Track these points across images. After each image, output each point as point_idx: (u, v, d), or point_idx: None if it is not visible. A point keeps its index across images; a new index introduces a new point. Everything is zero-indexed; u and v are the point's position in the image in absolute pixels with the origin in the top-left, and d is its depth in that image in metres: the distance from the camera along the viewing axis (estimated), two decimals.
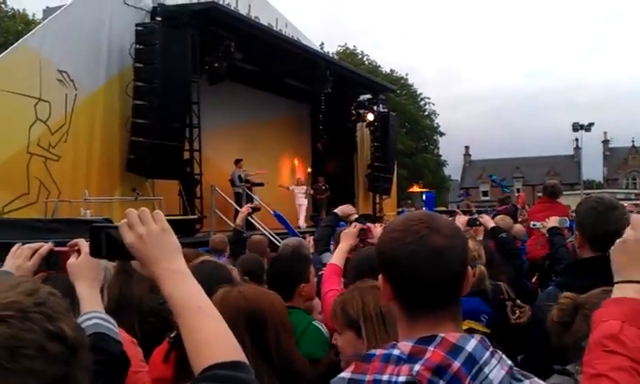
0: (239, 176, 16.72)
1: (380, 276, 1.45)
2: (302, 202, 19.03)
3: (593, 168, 72.81)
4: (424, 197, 29.08)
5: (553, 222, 4.95)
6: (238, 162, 17.05)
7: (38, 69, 11.58)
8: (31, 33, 12.33)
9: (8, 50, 12.32)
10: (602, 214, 2.64)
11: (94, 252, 1.50)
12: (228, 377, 1.19)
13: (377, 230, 3.79)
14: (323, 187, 20.27)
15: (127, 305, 2.94)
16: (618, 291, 1.51)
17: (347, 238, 3.66)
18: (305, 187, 19.27)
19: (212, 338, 1.27)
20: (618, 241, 1.59)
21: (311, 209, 20.57)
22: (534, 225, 6.11)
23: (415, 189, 28.97)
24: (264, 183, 17.82)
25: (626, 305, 1.44)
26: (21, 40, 12.65)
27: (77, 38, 12.47)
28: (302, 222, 18.44)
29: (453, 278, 1.37)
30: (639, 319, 1.41)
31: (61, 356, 0.88)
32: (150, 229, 1.37)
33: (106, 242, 1.45)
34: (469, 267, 1.42)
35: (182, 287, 1.33)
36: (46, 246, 1.95)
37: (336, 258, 3.49)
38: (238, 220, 6.71)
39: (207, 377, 1.19)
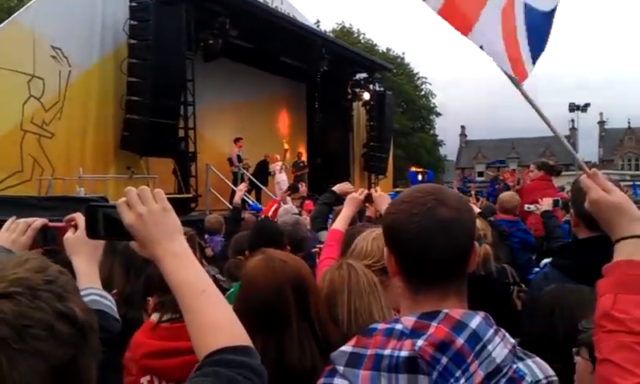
0: (238, 156, 16.65)
1: (385, 249, 1.43)
2: (280, 179, 18.22)
3: (588, 149, 72.76)
4: (420, 178, 28.49)
5: (546, 204, 4.95)
6: (237, 140, 16.96)
7: (31, 45, 11.46)
8: (24, 8, 12.15)
9: (0, 25, 12.18)
10: None
11: (91, 232, 1.43)
12: (235, 361, 1.16)
13: (377, 194, 3.74)
14: (301, 164, 19.74)
15: (115, 285, 2.91)
16: (616, 253, 1.44)
17: (352, 203, 3.57)
18: (279, 163, 18.48)
19: (217, 321, 1.23)
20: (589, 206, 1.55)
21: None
22: (527, 208, 6.07)
23: (414, 169, 28.44)
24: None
25: (617, 271, 1.38)
26: (13, 16, 12.48)
27: (70, 14, 12.33)
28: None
29: (459, 251, 1.35)
30: (632, 284, 1.34)
31: (70, 338, 0.84)
32: (150, 208, 1.32)
33: (104, 221, 1.39)
34: (475, 243, 1.39)
35: (185, 269, 1.29)
36: (39, 220, 1.91)
37: (339, 223, 3.37)
38: (237, 198, 6.67)
39: (214, 361, 1.16)
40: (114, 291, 2.68)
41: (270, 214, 5.97)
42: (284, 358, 1.85)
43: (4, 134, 11.10)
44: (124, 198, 1.34)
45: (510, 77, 2.16)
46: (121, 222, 1.33)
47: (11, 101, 11.21)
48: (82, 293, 1.67)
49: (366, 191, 3.77)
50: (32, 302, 0.82)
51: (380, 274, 2.23)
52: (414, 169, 31.06)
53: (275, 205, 6.17)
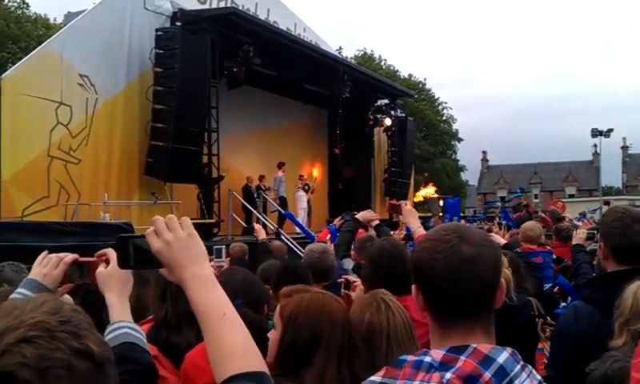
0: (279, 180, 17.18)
1: (413, 285, 1.46)
2: (298, 199, 18.32)
3: (612, 174, 71.93)
4: (441, 203, 27.82)
5: (579, 238, 4.88)
6: (281, 165, 17.41)
7: (59, 73, 11.73)
8: (53, 37, 12.47)
9: (30, 54, 12.49)
10: (628, 226, 2.58)
11: (123, 263, 1.49)
12: None
13: (407, 207, 3.96)
14: (305, 187, 19.29)
15: (143, 313, 2.94)
16: None
17: (412, 214, 3.87)
18: (300, 184, 18.54)
19: (235, 347, 1.27)
20: None
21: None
22: None
23: (429, 192, 27.54)
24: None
25: None
26: (43, 44, 12.81)
27: (97, 42, 12.61)
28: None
29: (483, 287, 1.37)
30: None
31: (89, 373, 0.87)
32: (177, 235, 1.37)
33: (134, 251, 1.44)
34: (502, 279, 1.42)
35: (208, 293, 1.33)
36: (71, 256, 1.95)
37: (419, 230, 3.85)
38: (262, 235, 6.69)
39: None
40: (150, 317, 2.74)
41: (327, 239, 5.98)
42: None
43: (31, 159, 11.30)
44: (152, 227, 1.39)
45: None
46: (149, 250, 1.38)
47: (39, 127, 11.44)
48: (114, 326, 1.72)
49: (402, 202, 3.91)
50: (50, 343, 0.85)
51: None
52: (430, 193, 30.30)
53: (329, 234, 6.19)
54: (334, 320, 1.98)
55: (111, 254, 1.84)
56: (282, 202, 17.35)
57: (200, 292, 1.33)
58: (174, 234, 1.37)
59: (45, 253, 1.96)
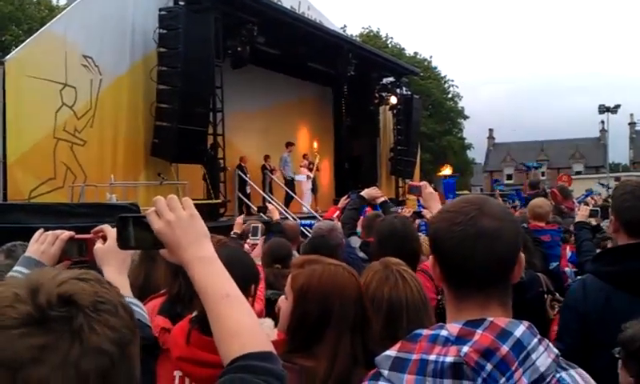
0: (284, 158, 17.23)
1: (430, 257, 1.45)
2: (308, 186, 18.14)
3: (619, 151, 71.46)
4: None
5: (581, 215, 4.83)
6: (288, 145, 17.40)
7: (63, 54, 11.68)
8: (56, 18, 12.39)
9: (33, 36, 12.42)
10: (639, 199, 2.57)
11: (122, 244, 1.46)
12: (260, 368, 1.18)
13: (427, 190, 3.87)
14: (310, 166, 18.90)
15: (151, 292, 2.96)
16: None
17: (434, 198, 3.75)
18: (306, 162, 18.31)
19: (241, 327, 1.26)
20: None
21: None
22: None
23: (443, 172, 27.48)
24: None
25: None
26: (46, 26, 12.74)
27: (101, 23, 12.54)
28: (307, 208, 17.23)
29: (500, 261, 1.36)
30: None
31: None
32: (178, 215, 1.36)
33: (135, 232, 1.42)
34: (521, 254, 1.40)
35: (209, 274, 1.32)
36: (67, 233, 1.95)
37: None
38: (276, 215, 6.67)
39: (239, 367, 1.18)
40: (163, 291, 2.80)
41: (334, 216, 5.98)
42: (335, 364, 1.85)
43: (37, 141, 11.29)
44: (153, 208, 1.38)
45: None
46: (150, 231, 1.37)
47: (44, 109, 11.42)
48: None
49: (423, 183, 3.85)
50: (102, 286, 0.91)
51: None
52: (442, 173, 30.27)
53: (337, 211, 6.17)
54: (347, 294, 1.95)
55: (108, 230, 1.84)
56: (288, 182, 17.32)
57: (202, 273, 1.32)
58: (175, 214, 1.36)
59: (41, 230, 1.96)
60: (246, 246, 4.63)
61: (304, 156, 18.84)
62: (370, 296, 2.14)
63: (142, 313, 1.80)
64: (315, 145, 20.23)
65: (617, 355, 2.10)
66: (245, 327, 1.26)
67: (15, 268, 1.89)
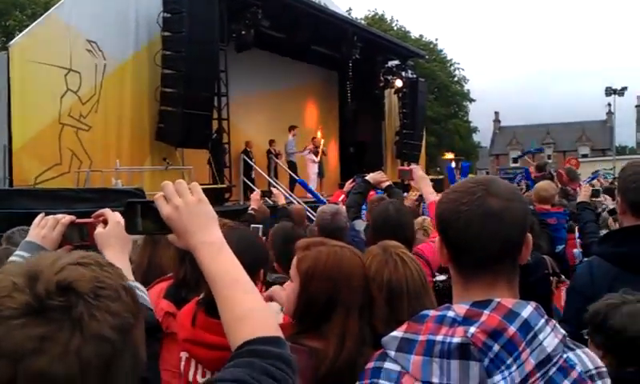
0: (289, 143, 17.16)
1: (437, 237, 1.45)
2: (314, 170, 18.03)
3: (625, 133, 71.11)
4: (453, 165, 27.37)
5: (584, 195, 4.79)
6: (292, 128, 17.30)
7: (67, 39, 11.66)
8: (59, 3, 12.34)
9: (37, 21, 12.40)
10: None
11: (130, 229, 1.47)
12: (269, 352, 1.18)
13: (418, 173, 3.90)
14: (316, 151, 18.73)
15: (155, 275, 2.96)
16: None
17: (424, 180, 3.79)
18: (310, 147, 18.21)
19: (249, 311, 1.26)
20: None
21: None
22: None
23: (447, 156, 27.36)
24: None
25: None
26: (49, 11, 12.70)
27: (105, 7, 12.51)
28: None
29: (507, 242, 1.35)
30: None
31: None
32: (186, 200, 1.35)
33: (142, 217, 1.42)
34: (528, 234, 1.39)
35: (218, 259, 1.32)
36: (68, 217, 1.95)
37: (432, 195, 3.80)
38: (282, 200, 6.65)
39: (247, 352, 1.18)
40: (169, 274, 2.82)
41: (339, 200, 5.98)
42: (345, 344, 1.86)
43: (43, 127, 11.31)
44: (161, 193, 1.38)
45: None
46: (158, 216, 1.36)
47: (49, 95, 11.42)
48: None
49: (412, 166, 3.87)
50: (102, 271, 0.91)
51: None
52: (447, 157, 30.15)
53: (342, 195, 6.16)
54: (353, 275, 1.95)
55: (109, 214, 1.84)
56: (291, 166, 17.26)
57: (210, 258, 1.32)
58: (183, 199, 1.35)
59: (41, 215, 1.96)
60: None
61: (312, 139, 18.75)
62: (371, 280, 2.14)
63: (143, 295, 1.80)
64: (319, 133, 20.16)
65: (585, 336, 2.12)
66: (253, 312, 1.26)
67: (17, 252, 1.89)
